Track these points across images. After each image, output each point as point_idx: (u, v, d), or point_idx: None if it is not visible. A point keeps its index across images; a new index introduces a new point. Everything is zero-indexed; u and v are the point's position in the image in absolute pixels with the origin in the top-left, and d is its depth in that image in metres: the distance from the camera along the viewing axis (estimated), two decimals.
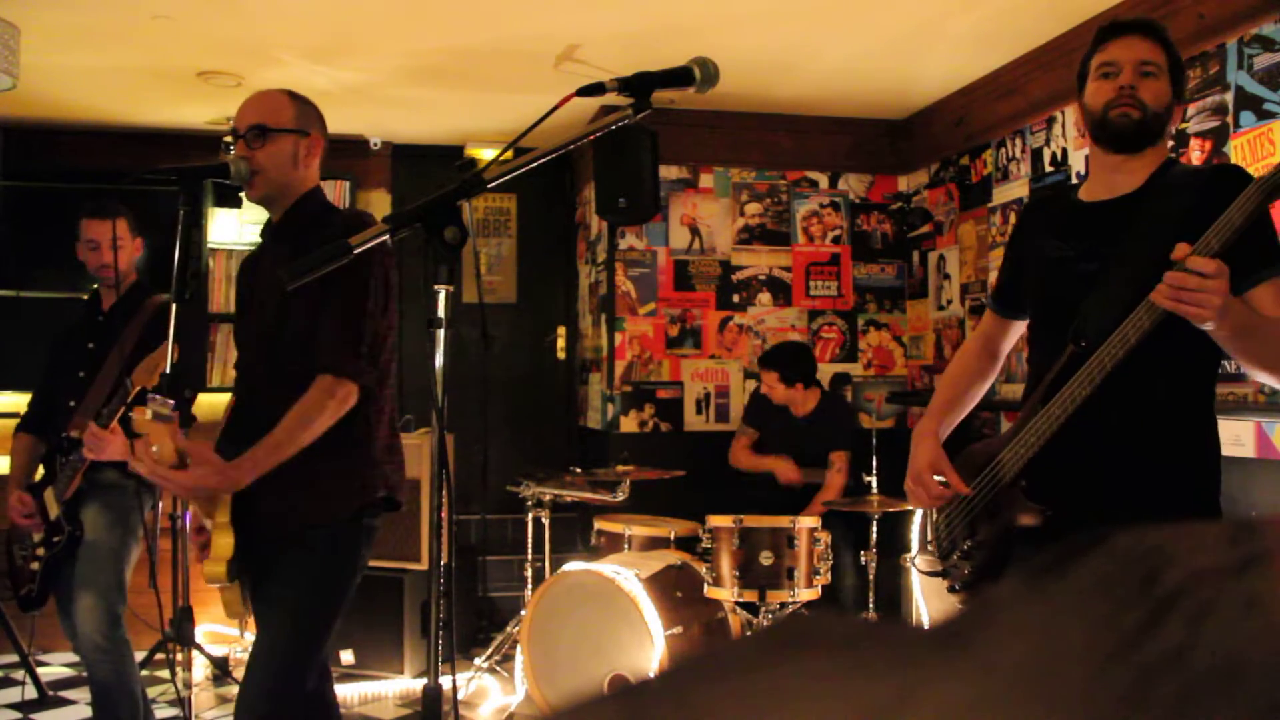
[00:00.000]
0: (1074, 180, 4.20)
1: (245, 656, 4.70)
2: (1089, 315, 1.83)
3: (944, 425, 2.14)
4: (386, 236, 1.66)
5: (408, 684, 4.31)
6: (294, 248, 2.16)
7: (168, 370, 2.34)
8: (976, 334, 2.29)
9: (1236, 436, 3.45)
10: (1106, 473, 1.84)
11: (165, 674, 4.18)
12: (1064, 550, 0.30)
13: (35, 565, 3.05)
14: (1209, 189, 1.79)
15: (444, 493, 1.60)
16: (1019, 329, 2.22)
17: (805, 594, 3.59)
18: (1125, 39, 1.91)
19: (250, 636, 4.84)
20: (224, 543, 2.13)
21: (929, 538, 2.15)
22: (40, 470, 3.17)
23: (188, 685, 2.44)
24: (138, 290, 3.20)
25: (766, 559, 3.57)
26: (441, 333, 1.61)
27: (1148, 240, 1.79)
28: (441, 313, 1.60)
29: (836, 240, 5.53)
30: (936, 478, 2.03)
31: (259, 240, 2.54)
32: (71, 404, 3.10)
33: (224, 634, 4.88)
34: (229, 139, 2.34)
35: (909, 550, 3.87)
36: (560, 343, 6.18)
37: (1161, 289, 1.63)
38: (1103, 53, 1.93)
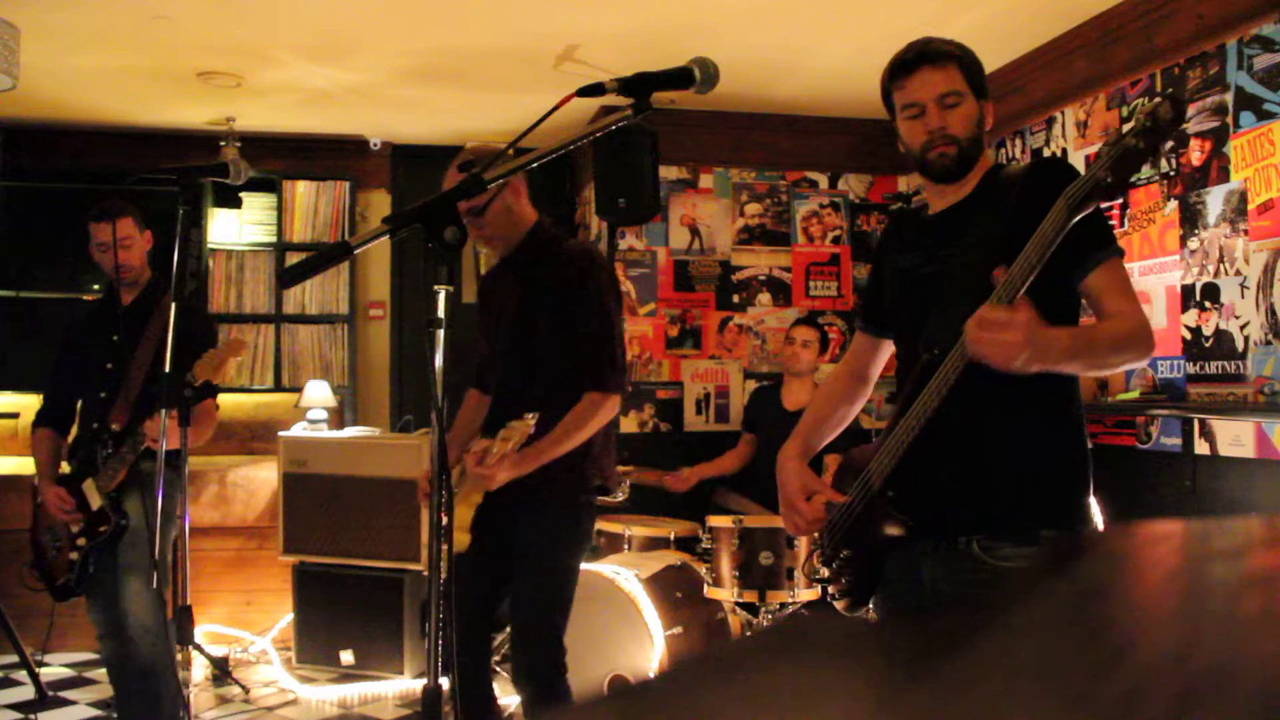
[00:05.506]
0: None
1: (245, 657, 4.72)
2: (936, 322, 1.83)
3: (808, 447, 2.17)
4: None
5: (408, 684, 4.31)
6: (526, 279, 2.64)
7: (167, 369, 2.35)
8: (847, 357, 2.30)
9: (1236, 437, 3.45)
10: (967, 482, 1.84)
11: None
12: (1064, 550, 0.30)
13: (74, 555, 3.08)
14: (1029, 183, 1.82)
15: (444, 493, 1.60)
16: (888, 349, 2.22)
17: (805, 594, 3.59)
18: (918, 75, 1.91)
19: (246, 635, 4.84)
20: (468, 514, 2.53)
21: (815, 545, 2.13)
22: (64, 464, 3.21)
23: (187, 685, 2.45)
24: (156, 286, 3.26)
25: (766, 559, 3.57)
26: (441, 333, 1.61)
27: (979, 241, 1.82)
28: (441, 313, 1.60)
29: (836, 240, 5.53)
30: (822, 499, 2.03)
31: (490, 270, 2.94)
32: (103, 395, 3.11)
33: (224, 634, 4.88)
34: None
35: None
36: None
37: (966, 339, 1.64)
38: (901, 91, 1.93)
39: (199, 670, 4.42)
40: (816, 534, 2.10)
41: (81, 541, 3.07)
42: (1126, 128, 1.59)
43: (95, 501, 3.06)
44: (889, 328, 2.15)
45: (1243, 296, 3.44)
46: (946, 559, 1.85)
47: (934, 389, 1.77)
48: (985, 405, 1.80)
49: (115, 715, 3.37)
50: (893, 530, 1.88)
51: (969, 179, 1.94)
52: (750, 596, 3.58)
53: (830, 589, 2.07)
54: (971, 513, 1.83)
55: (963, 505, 1.83)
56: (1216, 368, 3.54)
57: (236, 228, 5.66)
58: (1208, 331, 3.57)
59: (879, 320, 2.18)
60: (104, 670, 4.44)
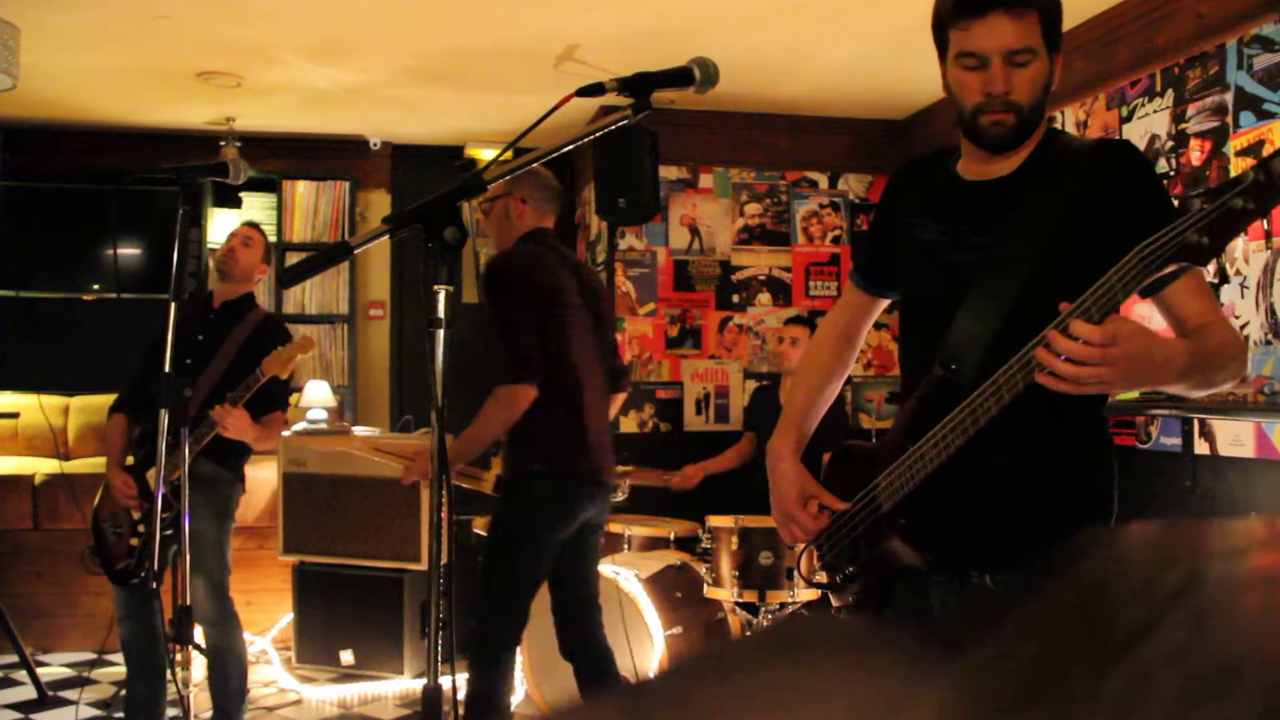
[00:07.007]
0: None
1: None
2: (960, 333, 1.59)
3: (802, 438, 1.90)
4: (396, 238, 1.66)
5: (408, 684, 4.31)
6: None
7: (167, 369, 2.36)
8: (834, 318, 2.00)
9: (1236, 437, 3.45)
10: (989, 520, 1.63)
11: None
12: (1064, 551, 0.30)
13: (134, 541, 3.17)
14: (1093, 167, 1.60)
15: (444, 493, 1.60)
16: (882, 306, 1.97)
17: (805, 594, 3.59)
18: (989, 20, 1.57)
19: (246, 635, 4.84)
20: None
21: (814, 546, 1.91)
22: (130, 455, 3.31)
23: (187, 685, 2.45)
24: (248, 300, 3.42)
25: (766, 559, 3.57)
26: (441, 333, 1.61)
27: (1026, 234, 1.57)
28: (441, 313, 1.60)
29: (836, 240, 5.53)
30: (819, 503, 1.83)
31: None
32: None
33: None
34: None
35: None
36: None
37: (1046, 365, 1.37)
38: (964, 35, 1.61)
39: (198, 670, 4.41)
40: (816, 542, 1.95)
41: (142, 529, 3.15)
42: (1232, 179, 1.26)
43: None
44: (892, 287, 1.89)
45: (1243, 296, 3.44)
46: (959, 593, 1.69)
47: (961, 423, 1.52)
48: (1018, 441, 1.57)
49: (118, 715, 3.38)
50: (904, 561, 1.71)
51: (1022, 147, 1.67)
52: (750, 596, 3.58)
53: (834, 600, 1.93)
54: (989, 550, 1.65)
55: (981, 542, 1.65)
56: None
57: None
58: None
59: (880, 278, 1.90)
60: (104, 670, 4.45)
